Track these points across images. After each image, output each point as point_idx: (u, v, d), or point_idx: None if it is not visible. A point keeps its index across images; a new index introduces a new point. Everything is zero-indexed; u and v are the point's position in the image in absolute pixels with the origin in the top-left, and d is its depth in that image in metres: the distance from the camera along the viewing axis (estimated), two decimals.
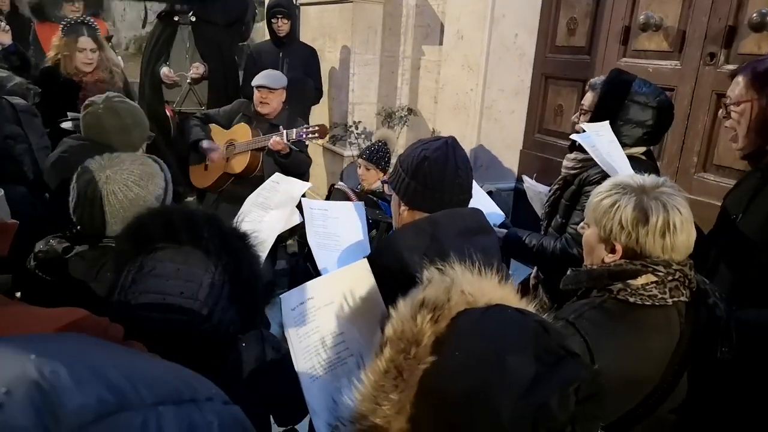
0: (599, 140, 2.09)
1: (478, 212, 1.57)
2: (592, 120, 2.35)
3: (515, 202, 4.20)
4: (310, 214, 1.98)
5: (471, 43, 4.06)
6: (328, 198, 3.61)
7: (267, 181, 2.27)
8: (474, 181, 2.78)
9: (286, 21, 4.89)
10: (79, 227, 1.68)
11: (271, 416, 1.48)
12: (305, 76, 4.77)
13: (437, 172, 1.50)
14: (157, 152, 3.89)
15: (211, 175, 3.75)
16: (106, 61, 3.67)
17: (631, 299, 1.42)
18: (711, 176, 3.11)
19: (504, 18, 3.95)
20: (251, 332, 1.36)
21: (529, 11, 4.01)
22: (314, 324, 1.25)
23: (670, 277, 1.43)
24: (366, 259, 1.36)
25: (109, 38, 4.64)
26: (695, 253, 1.55)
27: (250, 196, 2.25)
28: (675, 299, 1.43)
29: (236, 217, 2.26)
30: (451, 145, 1.53)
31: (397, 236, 1.50)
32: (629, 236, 1.45)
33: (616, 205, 1.47)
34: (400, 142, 5.00)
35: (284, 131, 3.45)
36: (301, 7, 5.81)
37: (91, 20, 3.75)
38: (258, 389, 1.34)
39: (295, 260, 4.43)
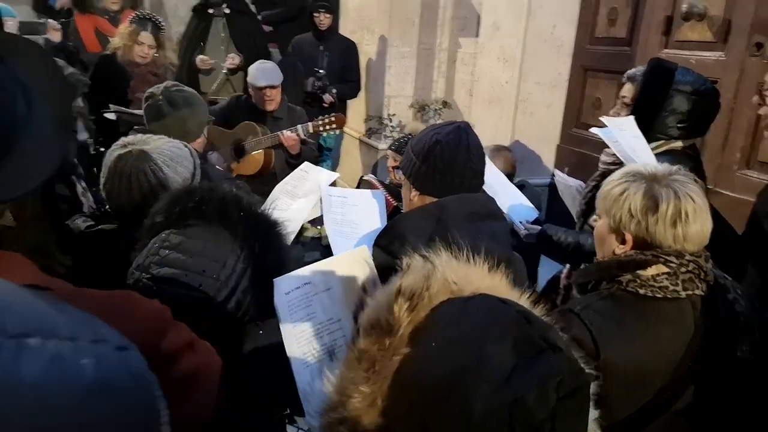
0: (622, 135, 2.02)
1: (488, 198, 1.55)
2: (634, 113, 2.28)
3: (550, 198, 4.10)
4: (328, 201, 1.99)
5: (507, 34, 3.99)
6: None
7: (296, 170, 2.30)
8: (505, 177, 2.75)
9: (328, 15, 4.93)
10: (107, 205, 1.74)
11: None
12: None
13: (449, 155, 1.48)
14: None
15: None
16: (162, 59, 3.77)
17: (641, 291, 1.37)
18: (755, 173, 2.96)
19: (541, 9, 3.86)
20: (272, 320, 1.36)
21: (569, 2, 3.90)
22: (310, 309, 1.24)
23: (683, 269, 1.37)
24: (365, 246, 1.35)
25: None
26: (723, 252, 1.48)
27: (279, 183, 2.29)
28: (689, 292, 1.37)
29: (266, 203, 2.31)
30: (463, 129, 1.51)
31: (402, 219, 1.49)
32: (639, 225, 1.39)
33: (626, 194, 1.42)
34: None
35: (299, 126, 3.39)
36: (341, 2, 5.84)
37: (159, 20, 3.84)
38: (272, 377, 1.33)
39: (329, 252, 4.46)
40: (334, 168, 5.21)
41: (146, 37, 3.59)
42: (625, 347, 1.32)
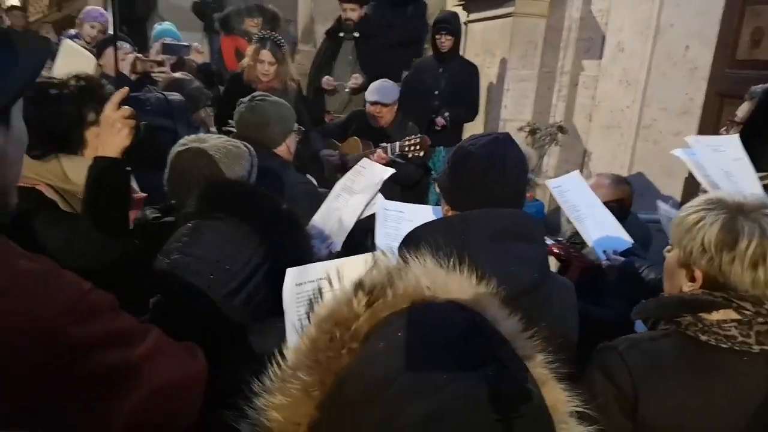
0: (711, 157, 1.76)
1: (521, 216, 1.40)
2: (742, 134, 1.99)
3: None
4: (383, 215, 1.95)
5: (631, 55, 3.70)
6: None
7: (355, 165, 2.33)
8: (599, 202, 2.53)
9: (449, 37, 4.94)
10: (172, 199, 1.86)
11: None
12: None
13: (480, 169, 1.36)
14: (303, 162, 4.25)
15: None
16: (283, 75, 4.01)
17: (703, 337, 1.16)
18: None
19: (672, 28, 3.53)
20: None
21: (705, 20, 3.53)
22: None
23: (760, 319, 1.14)
24: (384, 250, 1.29)
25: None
26: None
27: (340, 179, 2.33)
28: (764, 347, 1.13)
29: (327, 198, 2.36)
30: (501, 141, 1.39)
31: (421, 230, 1.39)
32: (711, 262, 1.19)
33: (701, 223, 1.22)
34: (551, 162, 4.73)
35: (388, 145, 3.41)
36: (468, 25, 5.83)
37: (279, 38, 4.12)
38: None
39: None
40: None
41: (266, 54, 3.84)
42: (670, 398, 1.13)
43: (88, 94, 1.72)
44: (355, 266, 1.26)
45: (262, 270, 1.30)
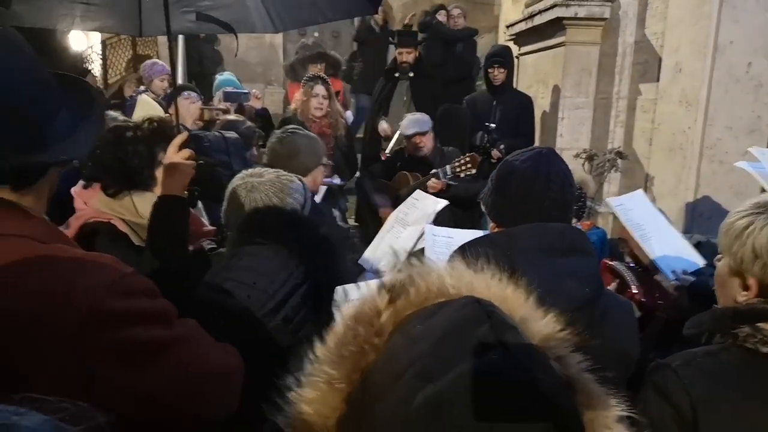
0: None
1: (572, 231, 1.36)
2: None
3: None
4: (432, 241, 1.95)
5: (690, 75, 3.59)
6: None
7: (409, 198, 2.34)
8: (665, 220, 2.43)
9: (502, 70, 4.98)
10: (227, 230, 1.95)
11: None
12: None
13: (524, 185, 1.35)
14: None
15: None
16: (334, 112, 4.21)
17: (764, 349, 1.09)
18: None
19: (732, 45, 3.41)
20: None
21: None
22: None
23: None
24: None
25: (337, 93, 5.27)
26: None
27: (394, 211, 2.35)
28: None
29: (381, 231, 2.38)
30: (545, 155, 1.38)
31: (467, 249, 1.39)
32: (764, 267, 1.13)
33: (750, 228, 1.16)
34: (611, 189, 4.59)
35: (439, 171, 3.44)
36: (520, 58, 5.85)
37: (326, 78, 4.34)
38: None
39: None
40: None
41: (319, 88, 4.03)
42: (732, 416, 1.05)
43: (159, 136, 1.80)
44: None
45: (300, 291, 1.34)
